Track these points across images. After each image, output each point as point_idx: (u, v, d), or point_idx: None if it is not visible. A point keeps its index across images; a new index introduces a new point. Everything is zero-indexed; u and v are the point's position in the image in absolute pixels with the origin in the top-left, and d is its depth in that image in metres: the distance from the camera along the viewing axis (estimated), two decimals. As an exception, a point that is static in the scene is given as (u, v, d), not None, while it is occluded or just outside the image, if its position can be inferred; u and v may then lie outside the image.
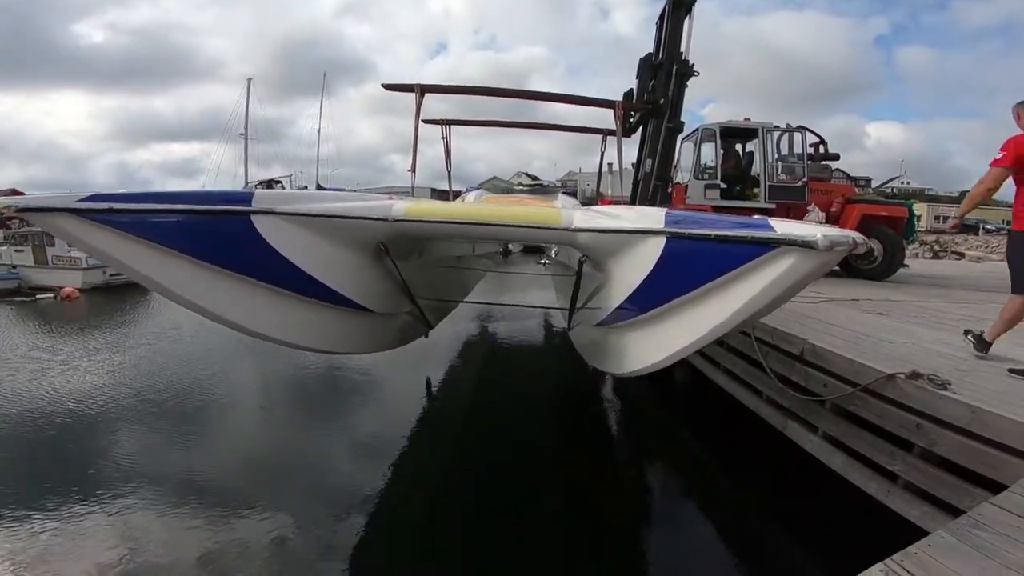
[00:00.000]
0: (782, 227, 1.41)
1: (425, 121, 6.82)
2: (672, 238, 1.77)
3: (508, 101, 8.29)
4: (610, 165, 9.59)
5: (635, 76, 9.11)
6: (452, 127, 7.67)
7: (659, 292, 1.96)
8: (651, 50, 9.03)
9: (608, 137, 8.20)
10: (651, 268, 1.94)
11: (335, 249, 2.34)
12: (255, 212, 1.94)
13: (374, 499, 4.01)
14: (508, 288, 12.60)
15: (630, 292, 2.19)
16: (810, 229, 1.37)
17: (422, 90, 5.78)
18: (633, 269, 2.09)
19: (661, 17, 8.75)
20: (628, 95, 9.20)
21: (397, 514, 3.84)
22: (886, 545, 1.81)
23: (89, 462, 4.66)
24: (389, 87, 6.25)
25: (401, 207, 2.53)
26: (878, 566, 1.67)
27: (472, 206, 2.73)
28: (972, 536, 1.79)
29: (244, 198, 1.97)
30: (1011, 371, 2.85)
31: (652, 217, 1.99)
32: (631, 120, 8.94)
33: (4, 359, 8.74)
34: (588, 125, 8.64)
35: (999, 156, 2.77)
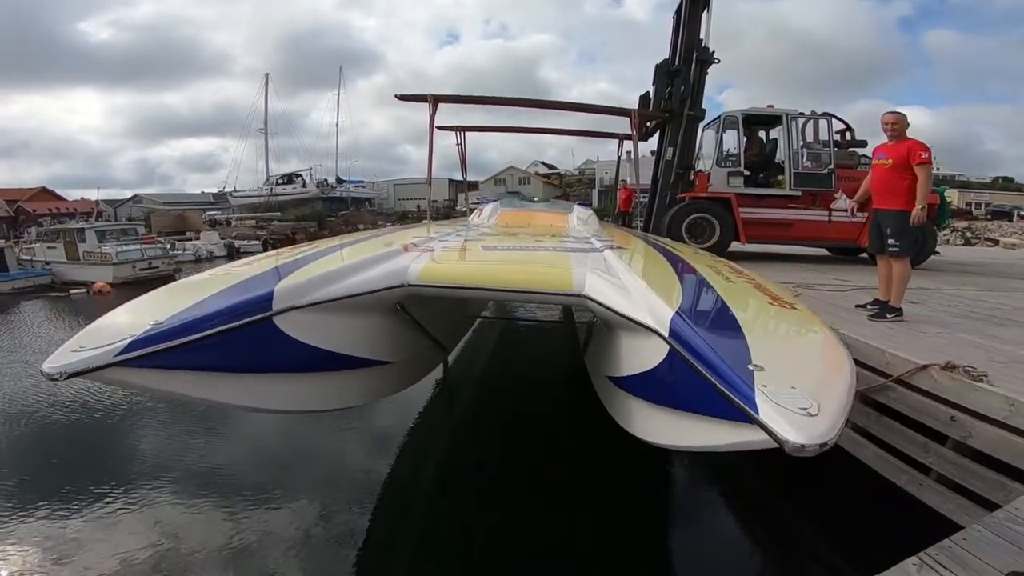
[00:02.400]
0: (766, 407, 1.30)
1: (440, 128, 6.77)
2: (673, 351, 1.74)
3: (524, 94, 8.23)
4: (628, 153, 9.51)
5: (651, 82, 9.00)
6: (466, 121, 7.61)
7: (654, 393, 2.01)
8: (663, 37, 8.93)
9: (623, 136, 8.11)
10: (651, 367, 1.96)
11: (353, 321, 2.44)
12: (276, 314, 2.03)
13: (386, 485, 4.09)
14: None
15: (631, 374, 2.22)
16: (785, 427, 1.24)
17: (435, 100, 5.72)
18: (636, 355, 2.10)
19: (678, 12, 8.61)
20: (644, 98, 9.11)
21: (408, 506, 3.89)
22: (918, 539, 1.80)
23: (119, 453, 4.85)
24: (402, 97, 6.24)
25: (416, 270, 2.57)
26: (912, 559, 1.66)
27: (486, 267, 2.78)
28: (1008, 530, 1.77)
29: (265, 299, 2.01)
30: None
31: (660, 314, 1.89)
32: (647, 125, 8.86)
33: (43, 353, 9.06)
34: (605, 118, 8.57)
35: (925, 156, 3.69)
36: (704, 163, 8.85)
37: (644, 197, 9.74)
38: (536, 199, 9.35)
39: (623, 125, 7.48)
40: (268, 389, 2.10)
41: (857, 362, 3.20)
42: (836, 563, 3.31)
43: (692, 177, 8.73)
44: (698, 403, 1.59)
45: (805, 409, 1.29)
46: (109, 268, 17.15)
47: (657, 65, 8.94)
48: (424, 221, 7.98)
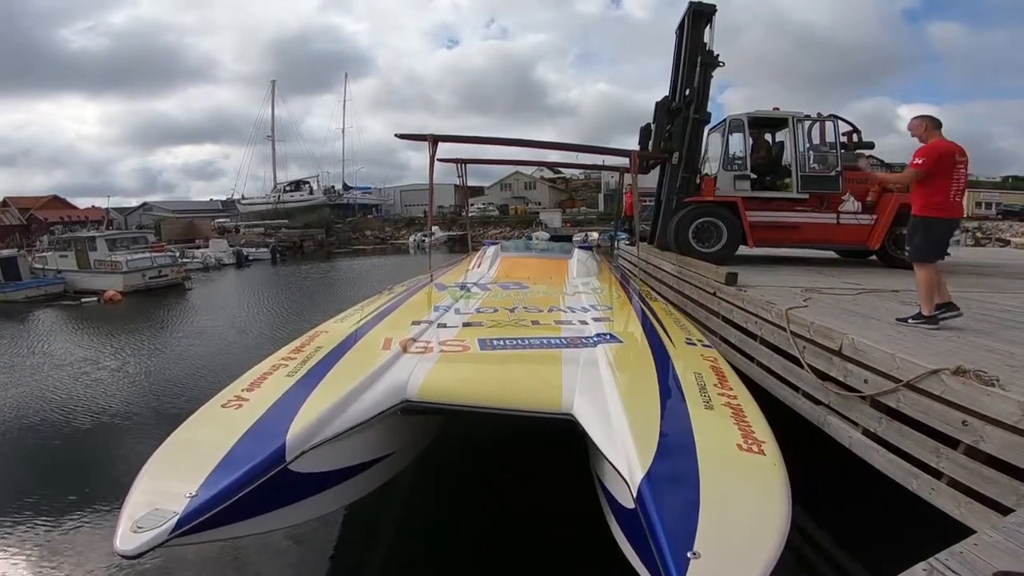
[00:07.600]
0: None
1: (440, 160, 6.79)
2: (637, 505, 1.90)
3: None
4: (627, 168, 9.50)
5: (652, 120, 8.99)
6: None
7: (621, 522, 2.19)
8: (664, 35, 8.91)
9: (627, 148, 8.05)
10: (622, 505, 2.13)
11: (358, 437, 2.64)
12: (291, 462, 2.25)
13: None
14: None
15: (610, 491, 2.36)
16: None
17: (434, 139, 5.80)
18: (615, 481, 2.22)
19: (681, 27, 8.61)
20: (645, 129, 9.10)
21: (380, 520, 3.88)
22: (929, 543, 1.80)
23: (115, 455, 5.03)
24: (402, 136, 6.28)
25: (415, 386, 2.78)
26: (922, 565, 1.65)
27: (482, 382, 2.97)
28: (1020, 534, 1.77)
29: (279, 453, 2.22)
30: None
31: (634, 471, 2.03)
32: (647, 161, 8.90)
33: (60, 361, 9.20)
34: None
35: None
36: (710, 167, 8.84)
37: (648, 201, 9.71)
38: (537, 241, 9.36)
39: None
40: (291, 512, 2.41)
41: (867, 367, 3.21)
42: (847, 567, 3.30)
43: (698, 181, 8.73)
44: (644, 559, 1.85)
45: None
46: (120, 277, 17.34)
47: (658, 102, 8.94)
48: (427, 236, 7.91)
